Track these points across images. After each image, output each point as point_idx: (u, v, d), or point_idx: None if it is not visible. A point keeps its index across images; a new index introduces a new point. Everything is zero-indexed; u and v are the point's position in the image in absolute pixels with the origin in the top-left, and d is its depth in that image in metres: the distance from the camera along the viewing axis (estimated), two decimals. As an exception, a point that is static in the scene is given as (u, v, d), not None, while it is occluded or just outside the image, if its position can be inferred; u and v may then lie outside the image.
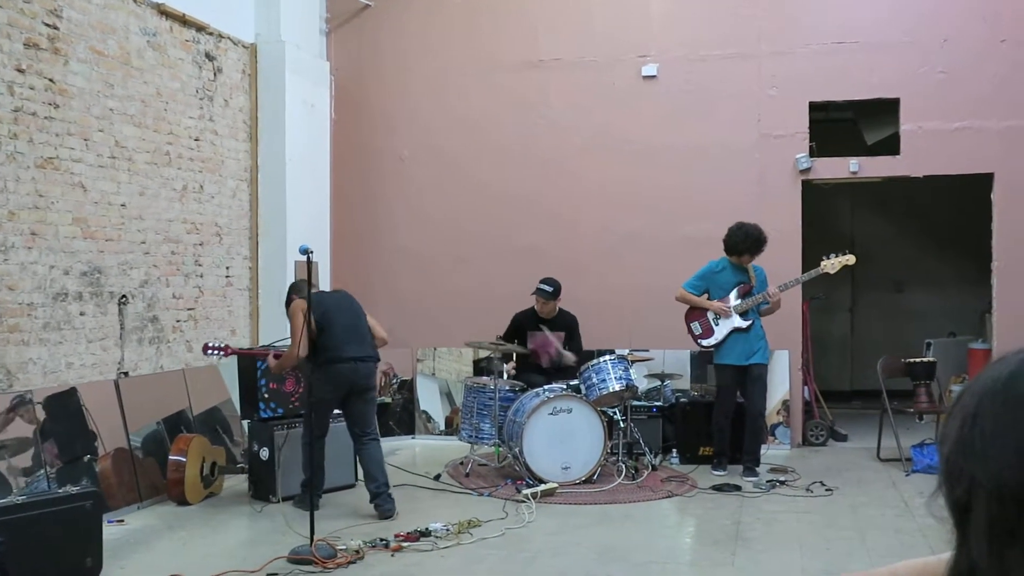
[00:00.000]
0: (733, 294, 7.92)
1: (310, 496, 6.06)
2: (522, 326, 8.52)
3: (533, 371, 8.44)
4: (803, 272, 8.32)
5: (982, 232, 9.06)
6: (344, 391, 6.65)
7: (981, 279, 9.53)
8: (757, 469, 7.80)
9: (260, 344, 8.45)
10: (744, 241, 7.86)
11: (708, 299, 8.01)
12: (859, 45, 9.06)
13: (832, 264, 7.89)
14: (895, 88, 8.99)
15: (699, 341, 8.05)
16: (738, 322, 7.89)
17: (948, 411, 1.03)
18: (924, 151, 8.91)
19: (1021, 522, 0.90)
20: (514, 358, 8.58)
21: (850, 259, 7.90)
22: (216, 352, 7.08)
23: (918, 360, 8.69)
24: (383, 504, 6.62)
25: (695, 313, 8.05)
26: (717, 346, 7.95)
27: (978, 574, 0.94)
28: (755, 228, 7.88)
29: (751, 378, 7.88)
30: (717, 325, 7.95)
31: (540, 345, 8.52)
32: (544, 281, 8.40)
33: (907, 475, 7.86)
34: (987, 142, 8.80)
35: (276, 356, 6.74)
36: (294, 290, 6.82)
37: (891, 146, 9.19)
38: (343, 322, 6.65)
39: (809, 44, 9.16)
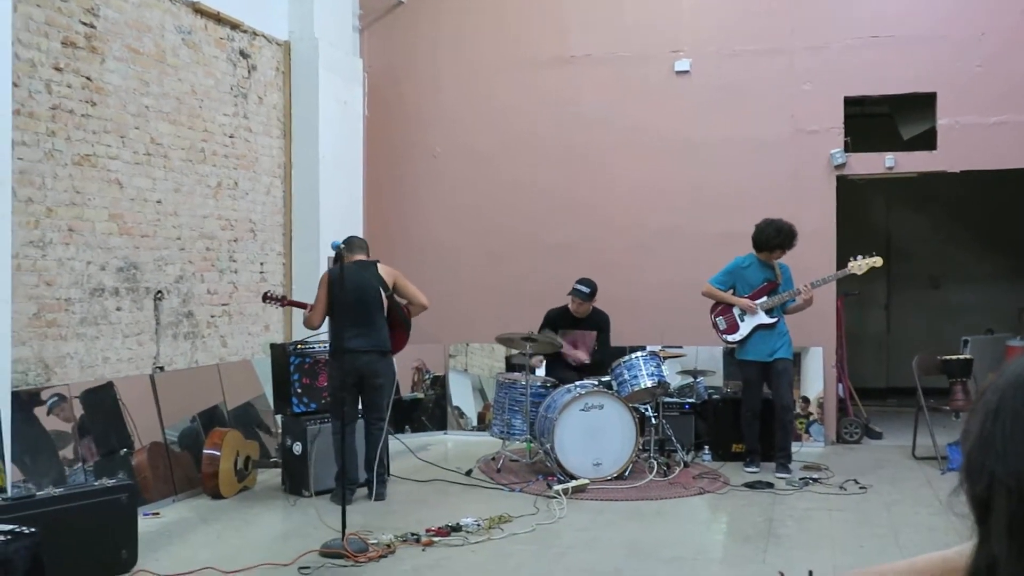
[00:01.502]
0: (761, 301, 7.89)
1: (342, 488, 6.08)
2: (555, 323, 8.51)
3: (563, 368, 8.44)
4: (836, 269, 8.25)
5: (1020, 228, 8.94)
6: (354, 379, 6.89)
7: (1019, 275, 9.40)
8: (789, 466, 7.76)
9: (294, 339, 8.49)
10: (776, 236, 7.80)
11: (734, 295, 7.98)
12: (894, 39, 8.97)
13: (860, 265, 7.87)
14: (931, 82, 8.89)
15: (724, 336, 8.04)
16: (763, 319, 7.85)
17: (972, 408, 1.02)
18: (961, 146, 8.81)
19: None
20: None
21: (877, 261, 7.87)
22: (275, 302, 7.47)
23: (954, 357, 8.58)
24: (375, 493, 6.96)
25: (720, 308, 8.03)
26: (741, 342, 7.93)
27: (999, 569, 0.93)
28: (786, 223, 7.83)
29: (776, 372, 7.84)
30: (742, 321, 7.92)
31: (572, 344, 8.51)
32: (581, 282, 8.38)
33: (942, 473, 7.78)
34: (1025, 137, 8.68)
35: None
36: (345, 248, 6.82)
37: (928, 141, 9.09)
38: (352, 313, 6.80)
39: (843, 38, 9.08)
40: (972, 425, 1.00)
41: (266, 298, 7.50)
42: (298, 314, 8.87)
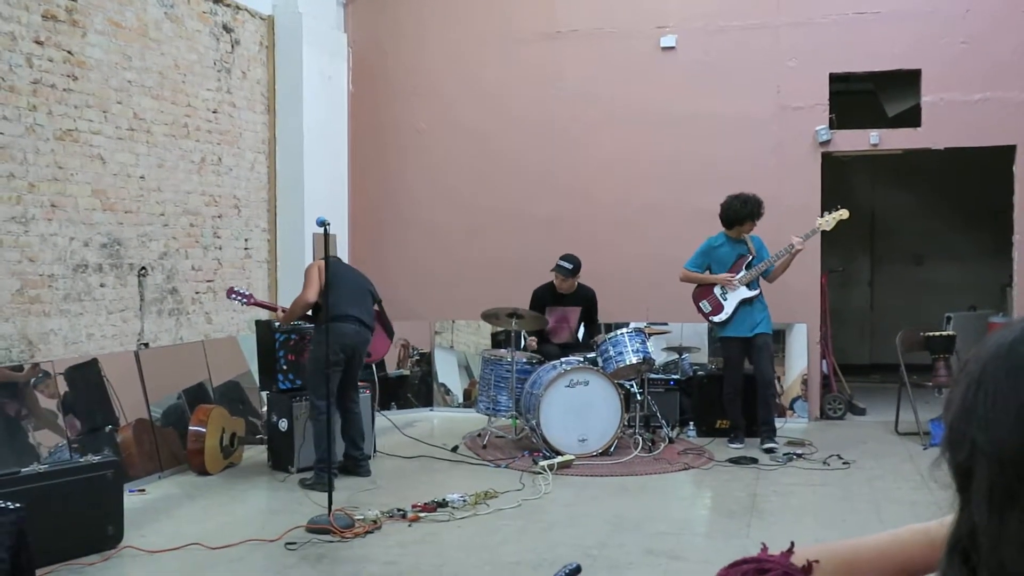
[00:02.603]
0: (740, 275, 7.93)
1: (328, 468, 6.07)
2: (542, 301, 8.51)
3: (550, 345, 8.46)
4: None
5: (1004, 205, 8.99)
6: (349, 352, 6.77)
7: (1002, 252, 9.46)
8: (775, 438, 7.81)
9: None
10: (744, 207, 7.85)
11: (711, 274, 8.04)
12: (880, 15, 8.96)
13: (827, 221, 7.96)
14: (916, 59, 8.90)
15: (710, 318, 8.08)
16: (745, 292, 7.90)
17: (954, 379, 1.03)
18: (945, 123, 8.83)
19: (1021, 486, 0.91)
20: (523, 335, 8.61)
21: (843, 213, 7.96)
22: (240, 298, 7.20)
23: (937, 334, 8.65)
24: (364, 469, 7.04)
25: (702, 291, 8.07)
26: (727, 320, 7.97)
27: (979, 536, 0.95)
28: (750, 194, 7.89)
29: (756, 348, 7.90)
30: (725, 300, 7.96)
31: (558, 320, 8.53)
32: (564, 258, 8.38)
33: (925, 449, 7.85)
34: (1009, 113, 8.70)
35: (284, 311, 7.08)
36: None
37: (912, 118, 9.11)
38: (349, 286, 6.85)
39: (829, 14, 9.07)
40: (954, 395, 1.01)
41: (231, 294, 7.19)
42: (284, 291, 8.88)
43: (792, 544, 1.26)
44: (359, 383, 7.26)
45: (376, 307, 7.26)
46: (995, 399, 0.95)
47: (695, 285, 8.11)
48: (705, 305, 8.06)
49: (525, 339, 8.39)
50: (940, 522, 1.19)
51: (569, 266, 8.34)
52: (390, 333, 7.59)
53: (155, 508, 6.21)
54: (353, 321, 6.78)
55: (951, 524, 1.01)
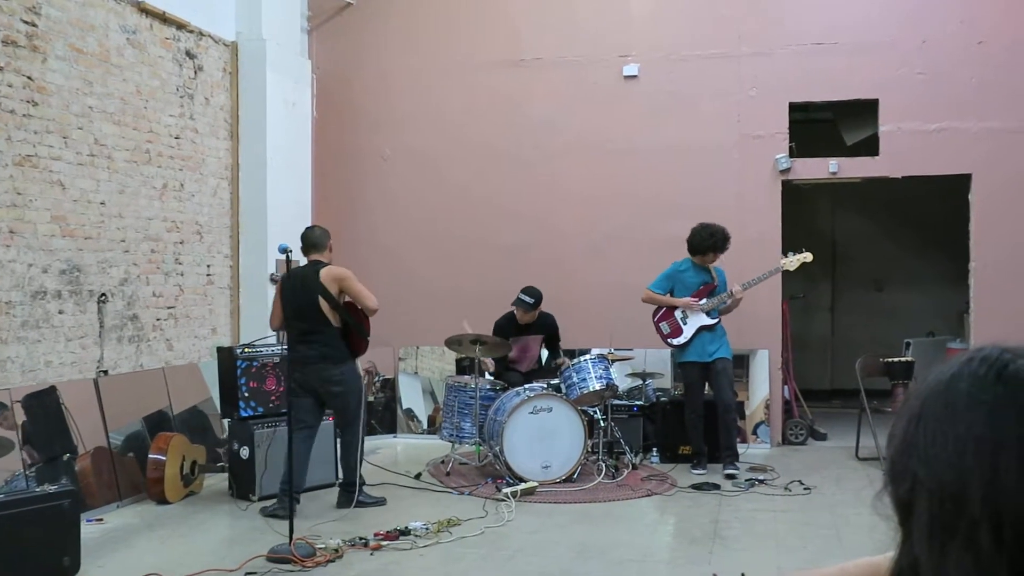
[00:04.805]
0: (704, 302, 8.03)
1: (290, 494, 6.03)
2: (503, 332, 8.51)
3: (513, 372, 8.47)
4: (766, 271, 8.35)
5: (961, 232, 9.13)
6: (308, 388, 6.77)
7: (960, 278, 9.59)
8: (737, 463, 7.85)
9: (242, 342, 8.40)
10: (709, 239, 7.96)
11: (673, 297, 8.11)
12: (839, 46, 9.11)
13: (791, 262, 8.09)
14: (874, 89, 9.04)
15: (668, 340, 8.14)
16: (705, 320, 7.98)
17: (897, 413, 1.06)
18: (903, 152, 8.97)
19: (960, 519, 0.93)
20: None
21: (807, 257, 8.12)
22: None
23: (896, 360, 8.75)
24: (342, 499, 6.87)
25: (663, 313, 8.14)
26: (685, 344, 8.02)
27: (920, 568, 0.97)
28: (719, 226, 8.02)
29: (715, 372, 7.96)
30: (685, 324, 8.03)
31: (520, 350, 8.55)
32: (525, 291, 8.41)
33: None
34: (965, 143, 8.86)
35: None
36: (302, 245, 7.04)
37: (870, 147, 9.25)
38: (294, 320, 6.72)
39: (789, 45, 9.21)
40: (896, 429, 1.04)
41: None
42: (246, 318, 8.83)
43: (743, 575, 1.27)
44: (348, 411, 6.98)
45: (336, 313, 6.80)
46: (934, 434, 0.97)
47: (655, 307, 8.18)
48: (665, 327, 8.13)
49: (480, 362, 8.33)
50: (885, 556, 1.21)
51: (530, 300, 8.36)
52: (360, 332, 6.91)
53: (113, 538, 6.13)
54: (295, 362, 6.55)
55: (893, 556, 1.03)
